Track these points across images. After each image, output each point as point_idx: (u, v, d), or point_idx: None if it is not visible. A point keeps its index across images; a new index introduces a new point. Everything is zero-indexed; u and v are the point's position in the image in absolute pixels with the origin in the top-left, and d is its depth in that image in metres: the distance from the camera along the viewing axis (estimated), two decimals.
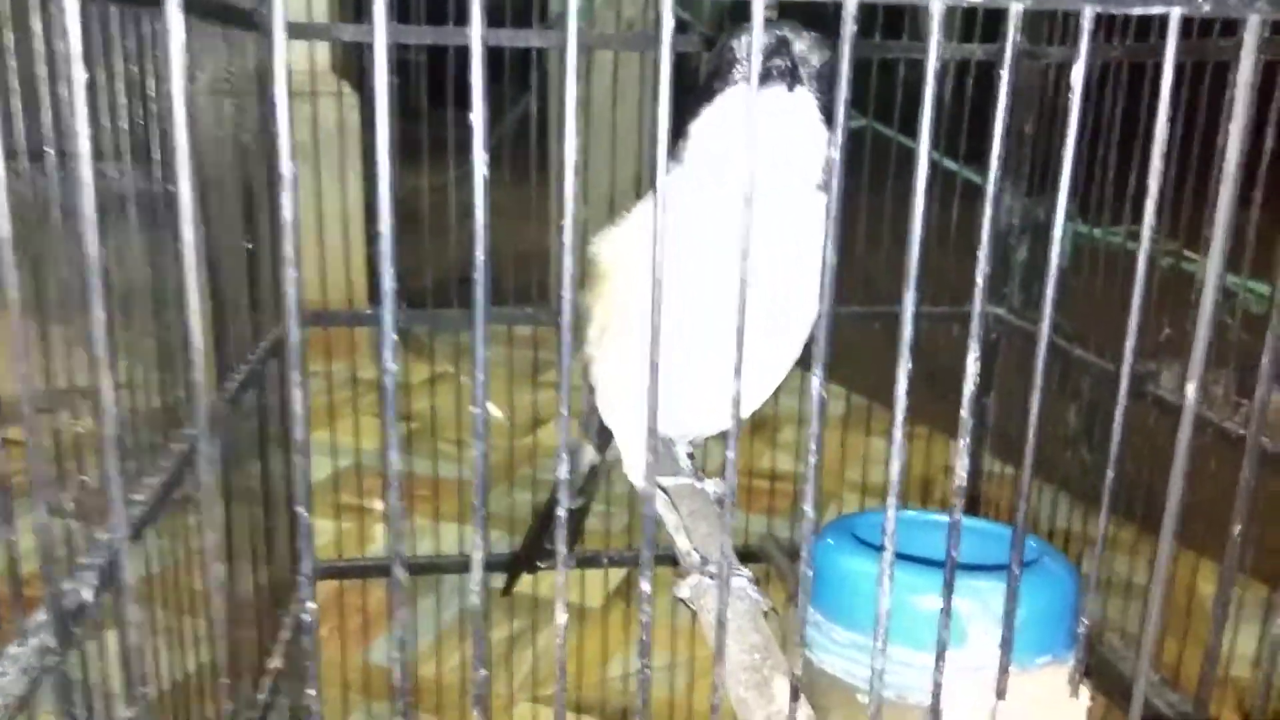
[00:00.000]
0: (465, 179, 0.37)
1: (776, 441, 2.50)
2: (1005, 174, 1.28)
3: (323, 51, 3.36)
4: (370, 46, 1.25)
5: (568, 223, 0.38)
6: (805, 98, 0.65)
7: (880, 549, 0.59)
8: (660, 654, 1.76)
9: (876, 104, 1.28)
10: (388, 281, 0.36)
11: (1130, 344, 0.44)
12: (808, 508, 0.40)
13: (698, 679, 1.67)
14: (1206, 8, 0.38)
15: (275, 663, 1.00)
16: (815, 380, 0.40)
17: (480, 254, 0.36)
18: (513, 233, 1.38)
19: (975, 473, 1.39)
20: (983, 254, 0.42)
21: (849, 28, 0.37)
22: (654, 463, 0.40)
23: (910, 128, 0.40)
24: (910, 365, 0.39)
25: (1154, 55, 1.06)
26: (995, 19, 0.45)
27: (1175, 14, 0.38)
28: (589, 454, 0.83)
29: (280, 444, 1.05)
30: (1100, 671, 1.13)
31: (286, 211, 0.35)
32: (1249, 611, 1.20)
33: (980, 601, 0.51)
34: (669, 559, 1.48)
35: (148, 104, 0.69)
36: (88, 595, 0.56)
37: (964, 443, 0.41)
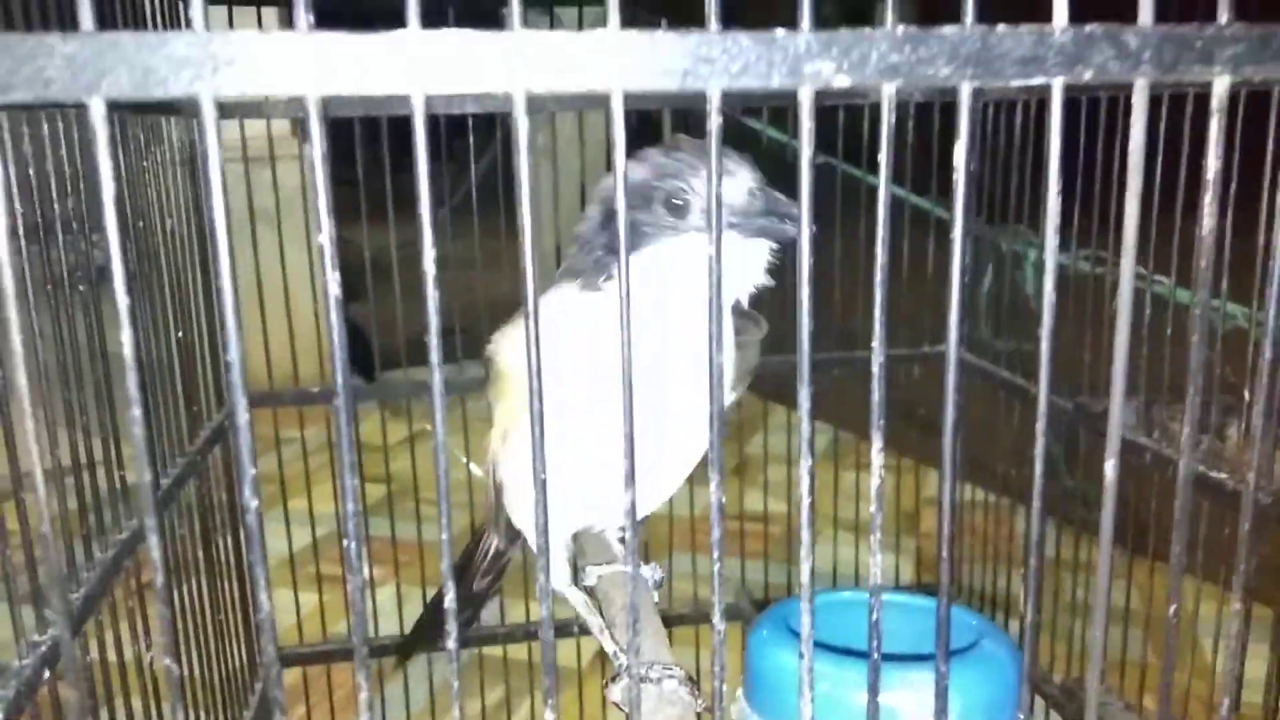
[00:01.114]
0: (435, 230, 0.36)
1: (757, 481, 2.47)
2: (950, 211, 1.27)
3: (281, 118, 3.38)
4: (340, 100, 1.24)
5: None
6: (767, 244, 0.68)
7: (817, 643, 0.56)
8: None
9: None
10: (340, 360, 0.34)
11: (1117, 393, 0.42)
12: (717, 620, 0.38)
13: None
14: (1088, 75, 0.36)
15: None
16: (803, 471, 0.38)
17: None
18: (486, 284, 1.36)
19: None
20: (954, 300, 0.40)
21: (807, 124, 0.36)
22: (547, 577, 0.38)
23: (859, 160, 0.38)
24: (883, 420, 0.38)
25: (1089, 91, 1.07)
26: None
27: (1057, 84, 0.37)
28: (494, 543, 0.82)
29: (234, 529, 1.03)
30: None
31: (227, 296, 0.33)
32: (1255, 633, 1.17)
33: (917, 693, 0.49)
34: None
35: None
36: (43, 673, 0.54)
37: (945, 527, 0.38)
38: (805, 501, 0.38)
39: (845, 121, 1.33)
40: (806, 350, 0.38)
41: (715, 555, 0.39)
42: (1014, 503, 1.41)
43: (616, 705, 0.61)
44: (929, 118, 1.25)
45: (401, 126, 1.22)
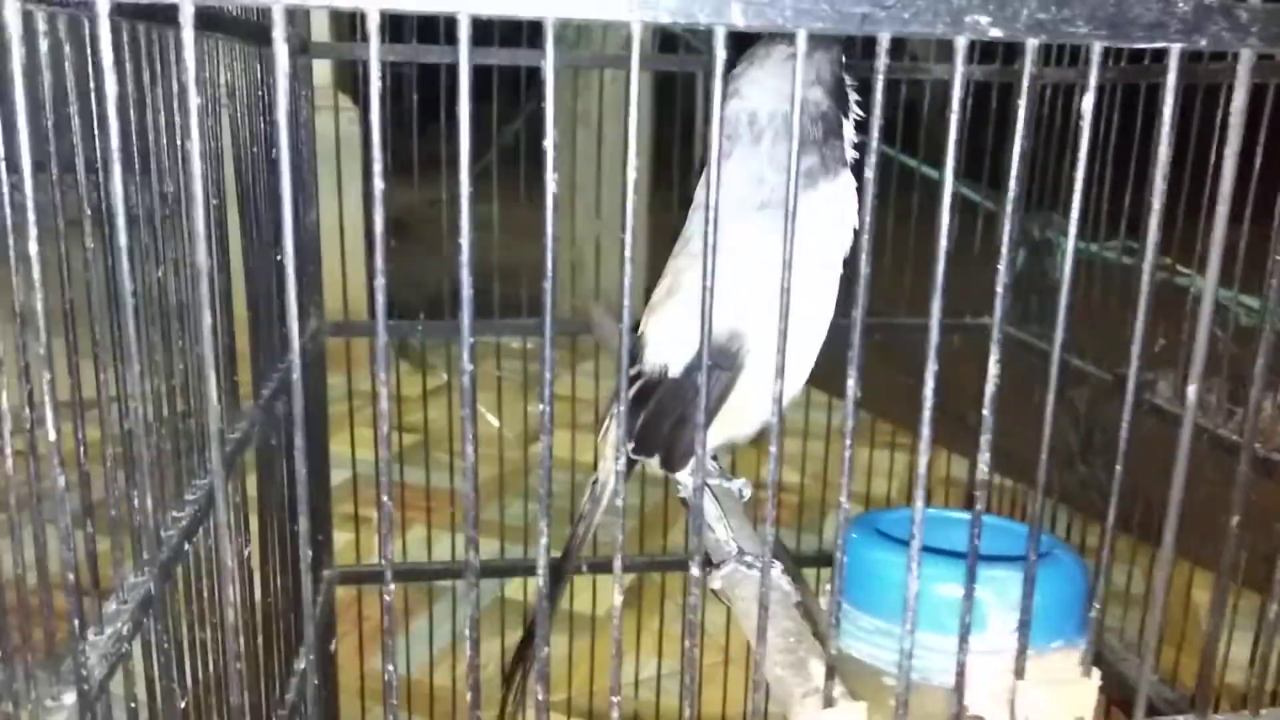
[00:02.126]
0: (458, 197, 0.40)
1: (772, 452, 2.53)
2: (1004, 191, 1.32)
3: (321, 66, 3.41)
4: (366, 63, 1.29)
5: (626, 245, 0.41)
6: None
7: (901, 543, 0.62)
8: (667, 662, 1.79)
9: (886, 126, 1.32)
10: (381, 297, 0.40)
11: (1136, 349, 0.48)
12: (844, 499, 0.44)
13: (705, 685, 1.70)
14: (1204, 42, 0.42)
15: (301, 664, 1.02)
16: (850, 381, 0.43)
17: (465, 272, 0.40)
18: (502, 248, 1.42)
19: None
20: (1002, 268, 0.46)
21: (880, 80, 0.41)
22: (703, 457, 0.43)
23: (911, 148, 0.43)
24: (908, 377, 0.43)
25: (1146, 77, 1.11)
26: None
27: (1175, 49, 0.42)
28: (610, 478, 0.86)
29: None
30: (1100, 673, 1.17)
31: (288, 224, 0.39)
32: (1242, 620, 1.23)
33: (998, 590, 0.55)
34: (672, 564, 1.52)
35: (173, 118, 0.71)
36: (153, 588, 0.59)
37: (985, 438, 0.44)
38: (928, 406, 0.44)
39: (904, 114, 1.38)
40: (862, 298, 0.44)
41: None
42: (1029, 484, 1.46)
43: (716, 594, 0.68)
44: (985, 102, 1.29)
45: (427, 84, 1.27)
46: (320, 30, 2.75)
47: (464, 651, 0.42)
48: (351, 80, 3.55)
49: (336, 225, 1.33)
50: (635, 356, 0.79)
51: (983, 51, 1.29)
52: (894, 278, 1.33)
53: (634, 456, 0.80)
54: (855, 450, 0.45)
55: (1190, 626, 1.40)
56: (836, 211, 0.76)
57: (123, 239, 0.38)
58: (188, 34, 0.36)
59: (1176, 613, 1.28)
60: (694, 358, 0.75)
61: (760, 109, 0.74)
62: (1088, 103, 0.43)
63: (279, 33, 0.37)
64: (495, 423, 1.57)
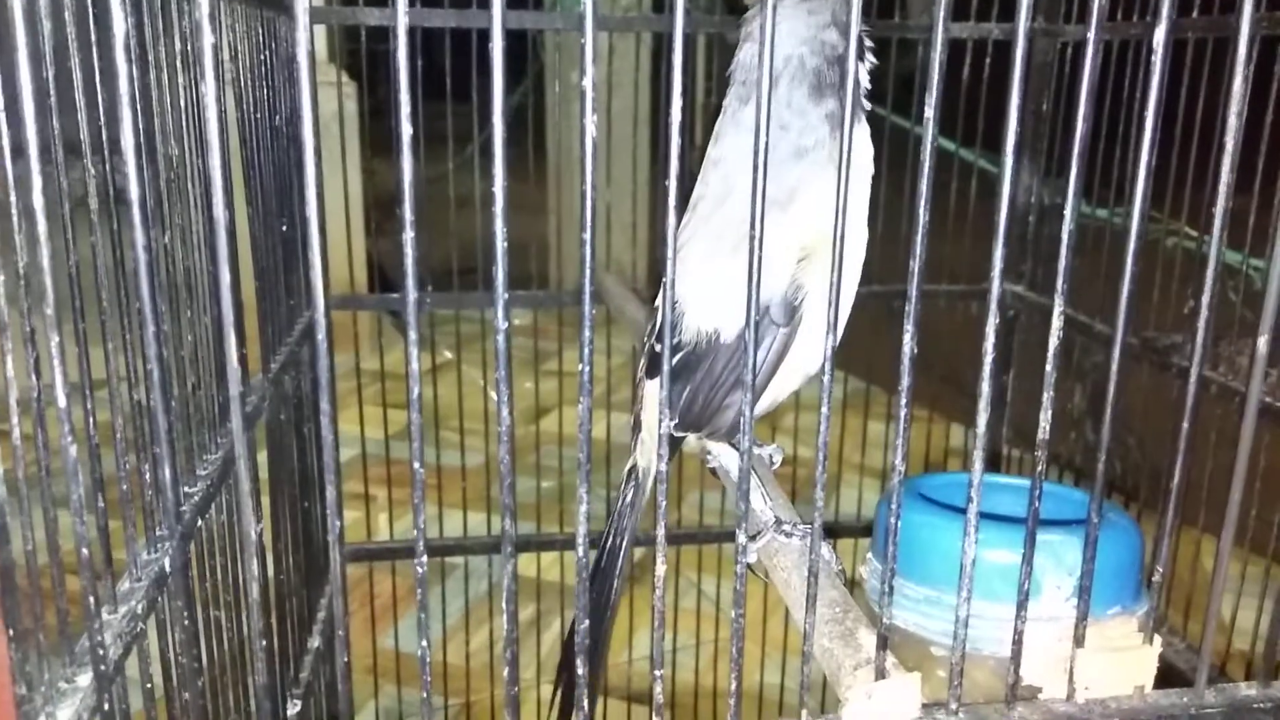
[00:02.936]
0: (462, 169, 0.38)
1: (782, 426, 2.52)
2: (1022, 154, 1.29)
3: (320, 42, 3.37)
4: (381, 31, 1.25)
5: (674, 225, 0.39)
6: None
7: (948, 508, 0.60)
8: (680, 636, 1.78)
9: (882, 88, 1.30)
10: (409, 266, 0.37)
11: (1123, 309, 0.45)
12: (898, 460, 0.41)
13: (720, 658, 1.69)
14: None
15: (315, 642, 1.01)
16: (906, 337, 0.41)
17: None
18: (509, 223, 1.39)
19: (994, 451, 1.41)
20: (1000, 227, 0.43)
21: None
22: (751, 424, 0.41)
23: (908, 110, 0.41)
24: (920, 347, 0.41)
25: (1179, 33, 1.08)
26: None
27: None
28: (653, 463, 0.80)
29: (312, 427, 1.06)
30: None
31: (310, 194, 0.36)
32: (1250, 586, 1.22)
33: (1052, 555, 0.53)
34: (684, 538, 1.50)
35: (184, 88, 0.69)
36: (168, 564, 0.56)
37: (1048, 395, 0.42)
38: (989, 362, 0.42)
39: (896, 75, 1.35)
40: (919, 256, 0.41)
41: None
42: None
43: (750, 569, 0.64)
44: (980, 67, 1.26)
45: (431, 56, 1.24)
46: None
47: (475, 628, 0.39)
48: (348, 56, 3.50)
49: (339, 201, 1.30)
50: (661, 331, 0.74)
51: (1002, 9, 1.26)
52: (908, 246, 1.30)
53: (678, 434, 0.75)
54: (870, 423, 0.42)
55: (1198, 593, 1.39)
56: (861, 160, 0.74)
57: (134, 193, 0.36)
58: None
59: (1184, 576, 1.27)
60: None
61: (776, 51, 0.71)
62: (1160, 36, 0.41)
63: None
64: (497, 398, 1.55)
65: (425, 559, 0.40)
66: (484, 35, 1.24)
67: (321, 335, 0.36)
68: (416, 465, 0.39)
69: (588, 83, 0.36)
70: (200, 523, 0.66)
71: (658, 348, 0.75)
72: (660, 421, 0.40)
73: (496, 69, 0.37)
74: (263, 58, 0.90)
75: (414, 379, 0.37)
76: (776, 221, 0.67)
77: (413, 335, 0.37)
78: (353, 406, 1.76)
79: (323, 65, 3.14)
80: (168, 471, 0.38)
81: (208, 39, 0.33)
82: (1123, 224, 1.21)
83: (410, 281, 0.37)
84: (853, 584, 0.65)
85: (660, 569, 0.41)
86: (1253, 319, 1.11)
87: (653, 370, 0.77)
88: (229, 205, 0.35)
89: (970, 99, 1.29)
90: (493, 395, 1.63)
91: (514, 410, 0.37)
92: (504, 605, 0.41)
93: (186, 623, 0.47)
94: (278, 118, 0.95)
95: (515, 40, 1.26)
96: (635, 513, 0.80)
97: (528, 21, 1.18)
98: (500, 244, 0.37)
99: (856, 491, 1.86)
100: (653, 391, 0.77)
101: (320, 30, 2.79)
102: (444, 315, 1.75)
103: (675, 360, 0.73)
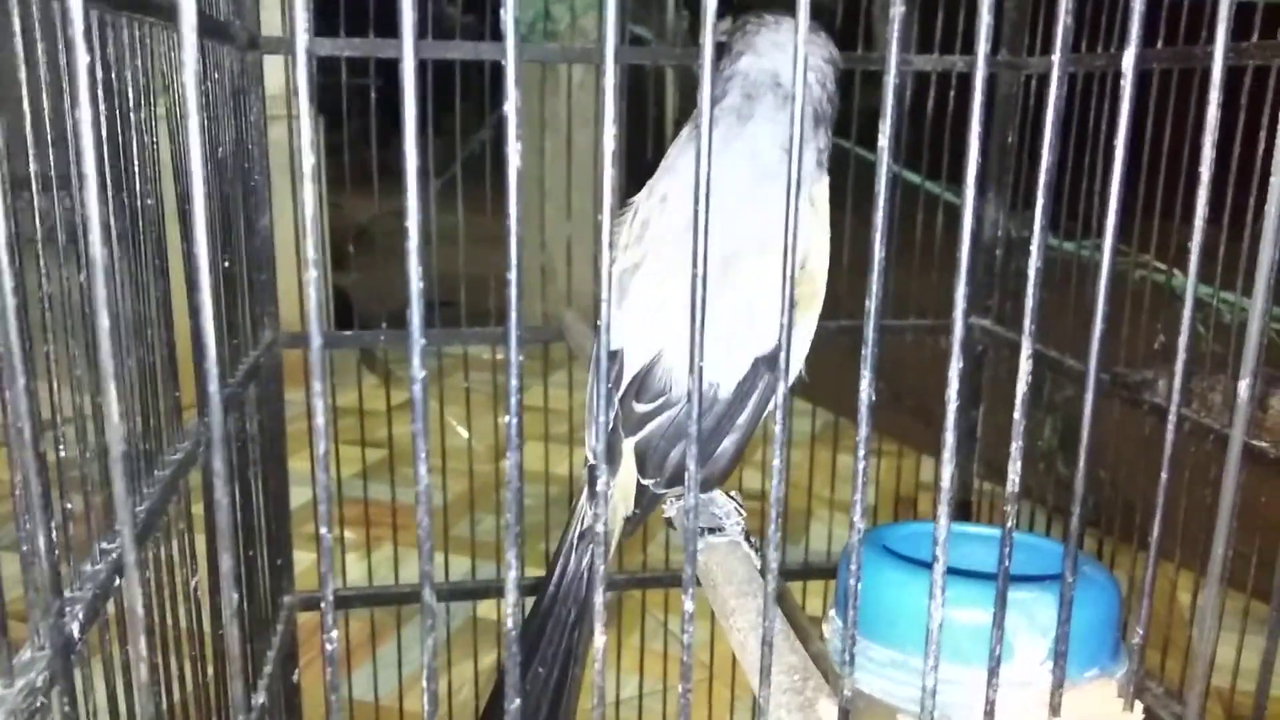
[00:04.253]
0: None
1: (751, 460, 2.49)
2: (988, 187, 1.28)
3: (274, 72, 3.33)
4: (345, 61, 1.22)
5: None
6: None
7: (914, 562, 0.57)
8: (648, 680, 1.73)
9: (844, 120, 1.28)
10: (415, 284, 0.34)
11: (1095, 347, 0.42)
12: (856, 517, 0.38)
13: (695, 703, 1.64)
14: None
15: (260, 698, 0.95)
16: (864, 380, 0.38)
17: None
18: (469, 259, 1.37)
19: (965, 486, 1.38)
20: (962, 260, 0.40)
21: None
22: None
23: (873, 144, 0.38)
24: (883, 381, 0.38)
25: (1143, 64, 1.07)
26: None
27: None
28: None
29: (258, 471, 1.02)
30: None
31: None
32: (1228, 621, 1.20)
33: (1025, 614, 0.50)
34: (650, 581, 1.46)
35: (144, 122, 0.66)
36: (74, 629, 0.52)
37: (1016, 445, 0.39)
38: (952, 409, 0.39)
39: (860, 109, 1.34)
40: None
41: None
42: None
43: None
44: (944, 100, 1.25)
45: (388, 94, 1.21)
46: (272, 25, 2.68)
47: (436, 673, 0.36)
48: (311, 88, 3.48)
49: (291, 235, 1.26)
50: (644, 388, 0.72)
51: (965, 42, 1.25)
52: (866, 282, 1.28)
53: (660, 491, 0.73)
54: (839, 457, 0.39)
55: (1174, 629, 1.36)
56: (821, 208, 0.75)
57: (95, 235, 0.32)
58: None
59: (1160, 610, 1.25)
60: (748, 370, 0.69)
61: (783, 70, 0.69)
62: (1220, 44, 0.38)
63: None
64: (465, 435, 1.51)
65: (335, 634, 0.36)
66: (442, 66, 1.22)
67: (213, 386, 0.33)
68: (423, 511, 0.35)
69: (510, 108, 0.33)
70: (118, 580, 0.61)
71: (639, 408, 0.72)
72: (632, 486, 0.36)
73: (408, 97, 0.34)
74: (203, 88, 0.87)
75: (319, 434, 0.33)
76: (773, 266, 0.65)
77: (316, 386, 0.34)
78: (310, 446, 1.70)
79: (277, 99, 3.10)
80: (45, 564, 0.34)
81: (81, 59, 0.29)
82: (1090, 256, 1.20)
83: (314, 325, 0.34)
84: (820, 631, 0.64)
85: (600, 640, 0.37)
86: (1222, 352, 1.10)
87: (634, 428, 0.74)
88: (106, 242, 0.31)
89: (935, 132, 1.27)
90: (459, 430, 1.58)
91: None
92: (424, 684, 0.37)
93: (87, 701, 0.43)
94: (220, 150, 0.91)
95: (477, 74, 1.24)
96: (599, 581, 0.76)
97: (454, 51, 1.16)
98: (415, 284, 0.33)
99: (827, 529, 1.82)
100: (630, 450, 0.74)
101: (277, 62, 2.78)
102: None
103: (664, 416, 0.72)
